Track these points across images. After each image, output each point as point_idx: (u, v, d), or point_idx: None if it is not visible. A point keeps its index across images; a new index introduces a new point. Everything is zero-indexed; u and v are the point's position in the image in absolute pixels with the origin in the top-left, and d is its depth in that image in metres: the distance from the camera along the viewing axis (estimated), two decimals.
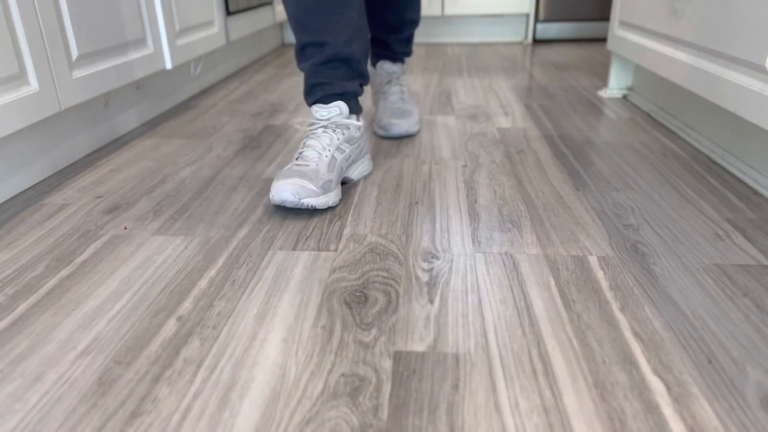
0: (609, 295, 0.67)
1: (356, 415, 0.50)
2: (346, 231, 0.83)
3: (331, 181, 0.89)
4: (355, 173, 1.00)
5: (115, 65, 1.19)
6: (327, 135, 0.91)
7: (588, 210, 0.89)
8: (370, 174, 1.04)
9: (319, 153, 0.89)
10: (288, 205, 0.85)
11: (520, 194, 0.95)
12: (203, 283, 0.71)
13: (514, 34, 2.70)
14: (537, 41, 2.67)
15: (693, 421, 0.49)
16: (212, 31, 1.70)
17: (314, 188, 0.85)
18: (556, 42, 2.64)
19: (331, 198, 0.89)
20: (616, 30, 1.52)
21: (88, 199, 0.96)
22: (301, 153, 0.90)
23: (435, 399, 0.52)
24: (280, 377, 0.55)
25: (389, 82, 1.31)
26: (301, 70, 0.97)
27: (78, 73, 1.08)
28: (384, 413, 0.50)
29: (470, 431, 0.48)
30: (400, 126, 1.22)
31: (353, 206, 0.91)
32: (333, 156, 0.90)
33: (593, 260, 0.74)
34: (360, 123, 0.97)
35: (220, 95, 1.68)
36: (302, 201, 0.84)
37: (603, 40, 2.67)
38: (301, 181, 0.85)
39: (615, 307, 0.64)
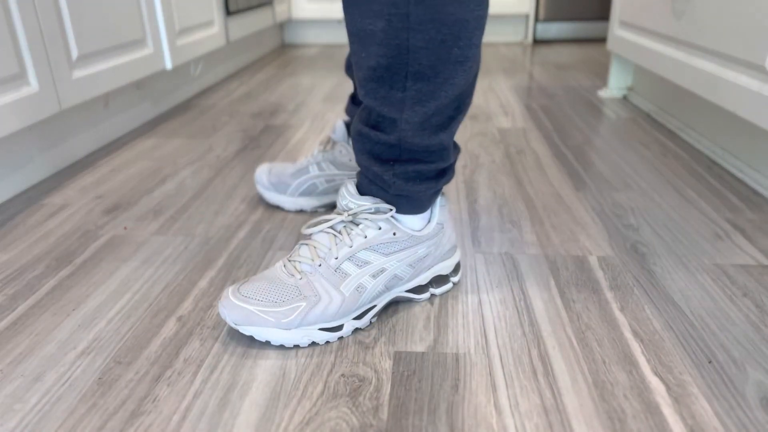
0: (609, 295, 0.67)
1: (356, 415, 0.50)
2: None
3: (288, 185, 0.89)
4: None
5: (115, 65, 1.19)
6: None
7: (588, 210, 0.89)
8: None
9: (308, 159, 0.90)
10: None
11: (520, 194, 0.95)
12: (203, 283, 0.70)
13: (514, 34, 2.70)
14: (537, 41, 2.67)
15: (693, 421, 0.49)
16: (212, 31, 1.70)
17: (272, 183, 0.89)
18: (556, 42, 2.64)
19: (288, 201, 0.89)
20: (616, 30, 1.52)
21: (88, 199, 0.96)
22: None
23: (435, 399, 0.52)
24: (280, 377, 0.55)
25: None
26: None
27: (78, 73, 1.08)
28: (384, 413, 0.50)
29: (470, 431, 0.48)
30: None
31: None
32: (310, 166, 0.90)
33: (593, 260, 0.74)
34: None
35: (220, 95, 1.68)
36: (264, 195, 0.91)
37: (603, 40, 2.67)
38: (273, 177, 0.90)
39: (615, 307, 0.64)
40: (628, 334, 0.60)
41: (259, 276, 0.61)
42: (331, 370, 0.55)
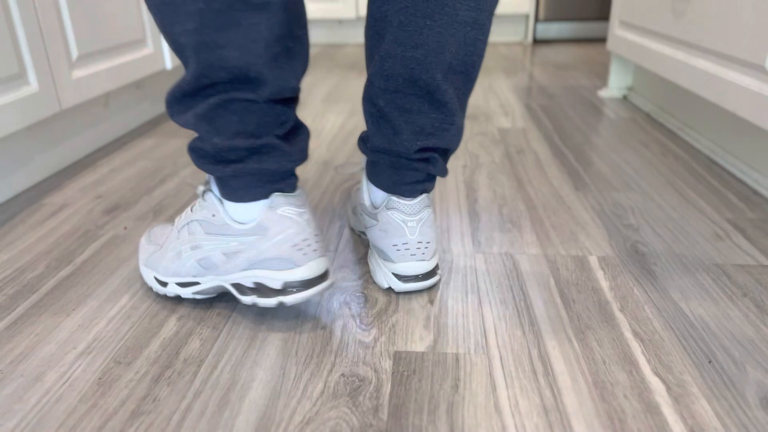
0: (609, 295, 0.67)
1: (356, 415, 0.50)
2: (346, 231, 0.83)
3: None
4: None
5: (115, 65, 1.19)
6: None
7: (588, 210, 0.89)
8: None
9: None
10: None
11: (520, 194, 0.95)
12: None
13: (514, 34, 2.70)
14: (537, 41, 2.67)
15: (693, 421, 0.49)
16: None
17: None
18: (556, 42, 2.64)
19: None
20: (616, 30, 1.52)
21: (88, 199, 0.96)
22: None
23: (435, 399, 0.52)
24: (280, 377, 0.55)
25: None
26: None
27: (78, 73, 1.08)
28: (384, 413, 0.50)
29: (470, 431, 0.48)
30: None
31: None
32: None
33: (593, 260, 0.74)
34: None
35: None
36: None
37: (603, 40, 2.67)
38: None
39: (615, 307, 0.64)
40: (628, 334, 0.60)
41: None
42: (331, 370, 0.55)
